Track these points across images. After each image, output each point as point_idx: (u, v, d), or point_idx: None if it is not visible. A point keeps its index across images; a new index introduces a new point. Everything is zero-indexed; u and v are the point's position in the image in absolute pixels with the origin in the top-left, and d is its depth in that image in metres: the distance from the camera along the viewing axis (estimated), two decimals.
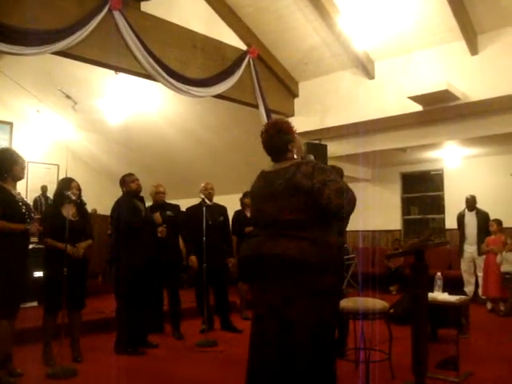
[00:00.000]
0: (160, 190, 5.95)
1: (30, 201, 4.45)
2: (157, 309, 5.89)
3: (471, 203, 7.98)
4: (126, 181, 5.33)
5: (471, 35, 6.57)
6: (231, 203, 6.79)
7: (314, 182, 2.57)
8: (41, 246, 4.70)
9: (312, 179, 2.58)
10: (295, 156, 2.82)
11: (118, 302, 5.15)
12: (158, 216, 5.33)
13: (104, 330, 5.73)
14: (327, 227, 2.63)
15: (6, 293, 3.94)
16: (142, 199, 5.41)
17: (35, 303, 6.21)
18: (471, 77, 6.68)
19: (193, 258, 5.92)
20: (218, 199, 6.33)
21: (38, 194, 11.25)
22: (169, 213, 5.88)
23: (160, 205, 5.90)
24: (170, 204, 6.10)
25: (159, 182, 6.14)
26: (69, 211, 4.57)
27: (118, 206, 5.28)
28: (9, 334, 3.99)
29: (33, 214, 4.24)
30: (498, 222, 7.51)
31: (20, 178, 4.26)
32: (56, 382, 4.12)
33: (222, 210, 6.31)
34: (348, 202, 2.56)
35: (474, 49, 6.64)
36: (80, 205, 4.82)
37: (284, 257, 2.54)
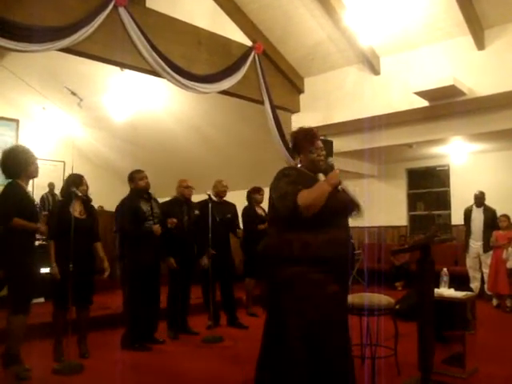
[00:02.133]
0: (189, 184, 5.85)
1: (36, 198, 4.46)
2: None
3: (480, 199, 7.95)
4: (135, 178, 5.29)
5: (478, 30, 6.53)
6: (237, 199, 6.78)
7: (270, 187, 3.00)
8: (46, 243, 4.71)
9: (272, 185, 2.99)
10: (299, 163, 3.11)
11: (125, 298, 5.17)
12: (156, 228, 5.25)
13: (110, 326, 5.75)
14: (293, 225, 2.81)
15: (22, 288, 4.00)
16: (149, 196, 5.38)
17: (42, 299, 6.24)
18: (478, 72, 6.64)
19: (205, 261, 5.83)
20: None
21: (46, 192, 11.26)
22: (196, 212, 5.86)
23: (186, 200, 5.84)
24: (224, 201, 6.22)
25: (165, 178, 6.13)
26: (76, 209, 4.59)
27: (121, 207, 5.26)
28: (22, 329, 4.03)
29: (41, 214, 4.29)
30: (509, 218, 7.49)
31: (34, 177, 4.33)
32: (62, 377, 4.15)
33: (232, 207, 6.30)
34: (283, 206, 2.83)
35: (480, 44, 6.60)
36: (87, 202, 4.81)
37: (258, 251, 3.07)
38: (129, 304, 5.12)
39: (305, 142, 3.06)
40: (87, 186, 4.80)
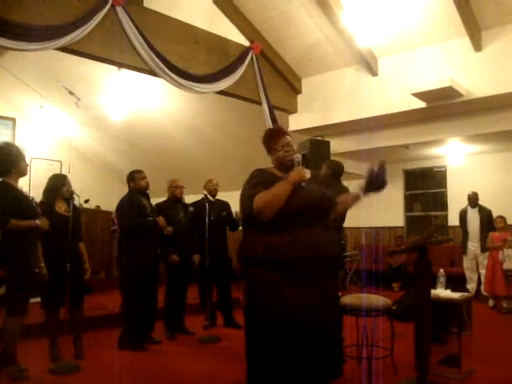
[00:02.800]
0: (179, 184, 5.89)
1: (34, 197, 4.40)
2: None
3: (473, 200, 7.97)
4: (136, 177, 5.29)
5: (475, 31, 6.54)
6: (235, 199, 6.77)
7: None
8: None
9: None
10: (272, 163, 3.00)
11: (123, 297, 5.16)
12: (161, 220, 5.30)
13: (107, 326, 5.74)
14: (258, 226, 2.73)
15: (20, 289, 3.99)
16: (147, 196, 5.39)
17: (39, 299, 6.21)
18: (475, 73, 6.65)
19: (196, 257, 5.88)
20: (221, 195, 6.33)
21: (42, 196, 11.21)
22: (191, 209, 5.95)
23: (178, 199, 5.86)
24: (217, 200, 6.21)
25: (161, 177, 6.13)
26: (61, 207, 4.58)
27: (121, 204, 5.25)
28: (19, 329, 4.02)
29: (38, 209, 4.23)
30: (505, 219, 7.51)
31: (24, 175, 4.24)
32: (59, 377, 4.14)
33: (225, 205, 6.30)
34: (242, 210, 2.89)
35: (477, 45, 6.61)
36: (70, 202, 4.67)
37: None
38: (128, 303, 5.10)
39: (270, 140, 2.95)
40: (70, 186, 4.74)
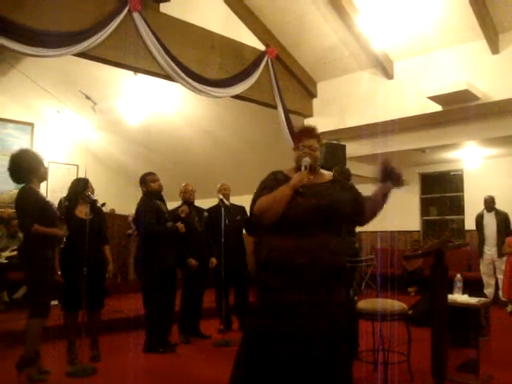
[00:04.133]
0: (189, 188, 5.89)
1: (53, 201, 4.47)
2: None
3: (489, 204, 7.89)
4: (147, 180, 5.27)
5: (492, 34, 6.48)
6: (248, 203, 6.78)
7: None
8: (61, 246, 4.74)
9: None
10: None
11: (148, 301, 5.18)
12: (180, 225, 5.34)
13: (123, 329, 5.78)
14: (267, 232, 2.72)
15: (41, 292, 4.04)
16: (162, 199, 5.39)
17: (56, 302, 6.28)
18: (492, 76, 6.59)
19: (213, 260, 5.90)
20: (236, 199, 6.34)
21: (64, 196, 11.31)
22: (206, 214, 5.95)
23: (190, 204, 5.86)
24: (232, 205, 6.19)
25: (176, 181, 6.16)
26: (82, 211, 4.62)
27: (140, 209, 5.24)
28: (40, 332, 4.07)
29: (58, 214, 4.30)
30: None
31: (44, 180, 4.33)
32: (76, 379, 4.18)
33: (241, 209, 6.31)
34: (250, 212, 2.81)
35: (494, 48, 6.54)
36: (94, 205, 4.76)
37: None
38: (153, 307, 5.12)
39: (298, 136, 2.91)
40: (93, 189, 4.81)
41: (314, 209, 2.62)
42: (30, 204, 4.04)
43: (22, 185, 4.17)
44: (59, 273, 4.40)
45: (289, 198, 2.62)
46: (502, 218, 7.75)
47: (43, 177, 4.29)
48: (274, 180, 2.78)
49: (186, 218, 5.60)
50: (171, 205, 5.75)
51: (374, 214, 2.85)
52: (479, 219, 8.04)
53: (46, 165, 4.37)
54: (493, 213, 7.86)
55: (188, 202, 5.84)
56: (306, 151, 2.76)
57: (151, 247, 5.11)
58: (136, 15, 5.83)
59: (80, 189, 4.68)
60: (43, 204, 4.13)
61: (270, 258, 2.64)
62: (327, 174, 2.86)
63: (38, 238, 4.03)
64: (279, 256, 2.60)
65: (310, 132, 2.87)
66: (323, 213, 2.63)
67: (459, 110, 6.89)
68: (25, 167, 4.13)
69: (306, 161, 2.71)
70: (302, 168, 2.70)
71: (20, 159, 4.15)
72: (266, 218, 2.64)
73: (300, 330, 2.52)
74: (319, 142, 2.84)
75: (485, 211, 7.97)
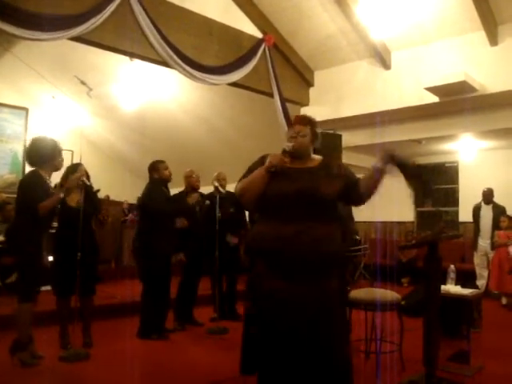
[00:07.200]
0: (195, 174, 5.92)
1: None
2: None
3: (488, 196, 7.89)
4: (160, 167, 5.30)
5: (491, 26, 6.46)
6: None
7: None
8: (53, 231, 4.71)
9: None
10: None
11: (144, 287, 5.20)
12: (182, 221, 5.40)
13: (117, 315, 5.78)
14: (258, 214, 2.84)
15: (30, 277, 4.03)
16: (167, 187, 5.42)
17: (49, 287, 6.27)
18: (490, 68, 6.58)
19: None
20: (231, 187, 6.32)
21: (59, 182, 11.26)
22: (207, 202, 5.90)
23: (194, 190, 5.86)
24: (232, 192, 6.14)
25: (172, 169, 6.12)
26: (74, 198, 4.53)
27: (148, 192, 5.25)
28: (30, 316, 4.07)
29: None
30: (510, 218, 7.46)
31: (58, 169, 4.38)
32: (68, 364, 4.18)
33: (235, 198, 6.27)
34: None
35: (493, 39, 6.53)
36: (89, 190, 4.66)
37: None
38: (149, 294, 5.14)
39: (289, 126, 3.00)
40: (88, 175, 4.72)
41: (293, 192, 2.61)
42: (33, 188, 4.07)
43: (32, 169, 4.21)
44: (50, 258, 4.38)
45: (265, 180, 2.67)
46: (499, 211, 7.76)
47: (58, 167, 4.34)
48: (261, 163, 2.80)
49: (186, 204, 5.60)
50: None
51: (370, 194, 2.86)
52: (477, 211, 8.04)
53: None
54: (490, 205, 7.87)
55: (193, 188, 5.83)
56: (293, 135, 2.78)
57: (153, 235, 5.12)
58: (133, 0, 5.77)
59: (68, 174, 4.60)
60: (46, 189, 4.15)
61: (252, 243, 2.74)
62: (317, 159, 2.84)
63: (25, 221, 4.03)
64: (258, 241, 2.67)
65: (300, 119, 2.91)
66: (301, 197, 2.60)
67: (456, 102, 6.88)
68: (44, 153, 4.18)
69: (287, 145, 2.74)
70: (283, 151, 2.74)
71: (42, 145, 4.23)
72: (245, 198, 2.75)
73: (282, 315, 2.54)
74: (312, 129, 2.83)
75: (482, 203, 7.97)
